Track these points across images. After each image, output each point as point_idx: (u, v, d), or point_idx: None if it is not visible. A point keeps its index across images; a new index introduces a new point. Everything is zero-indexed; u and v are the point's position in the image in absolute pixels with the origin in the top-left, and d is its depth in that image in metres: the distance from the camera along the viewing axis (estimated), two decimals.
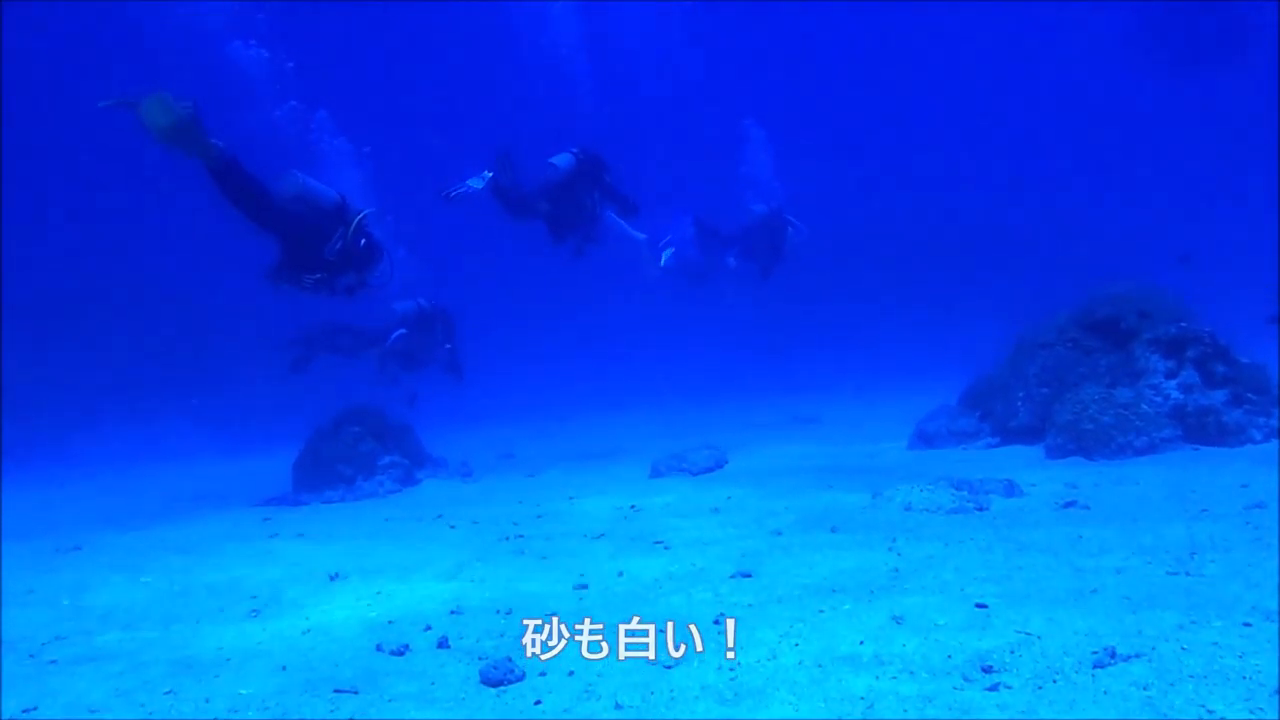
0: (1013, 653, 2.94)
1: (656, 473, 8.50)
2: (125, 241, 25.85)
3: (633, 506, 6.97)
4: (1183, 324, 7.70)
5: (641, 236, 12.97)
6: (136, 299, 23.45)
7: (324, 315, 11.43)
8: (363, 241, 8.42)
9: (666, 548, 5.33)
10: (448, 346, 11.90)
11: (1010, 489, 5.85)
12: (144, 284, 23.90)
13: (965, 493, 5.80)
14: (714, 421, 16.13)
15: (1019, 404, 8.18)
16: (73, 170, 26.28)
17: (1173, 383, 7.42)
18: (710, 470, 8.49)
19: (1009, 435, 8.24)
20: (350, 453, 9.51)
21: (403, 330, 11.49)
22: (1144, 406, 7.30)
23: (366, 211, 8.54)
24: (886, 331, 27.52)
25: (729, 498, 6.95)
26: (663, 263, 14.20)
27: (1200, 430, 7.15)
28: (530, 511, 7.18)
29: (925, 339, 26.24)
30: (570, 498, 7.71)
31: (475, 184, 9.59)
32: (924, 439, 8.76)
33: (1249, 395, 7.22)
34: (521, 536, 6.12)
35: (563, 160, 10.23)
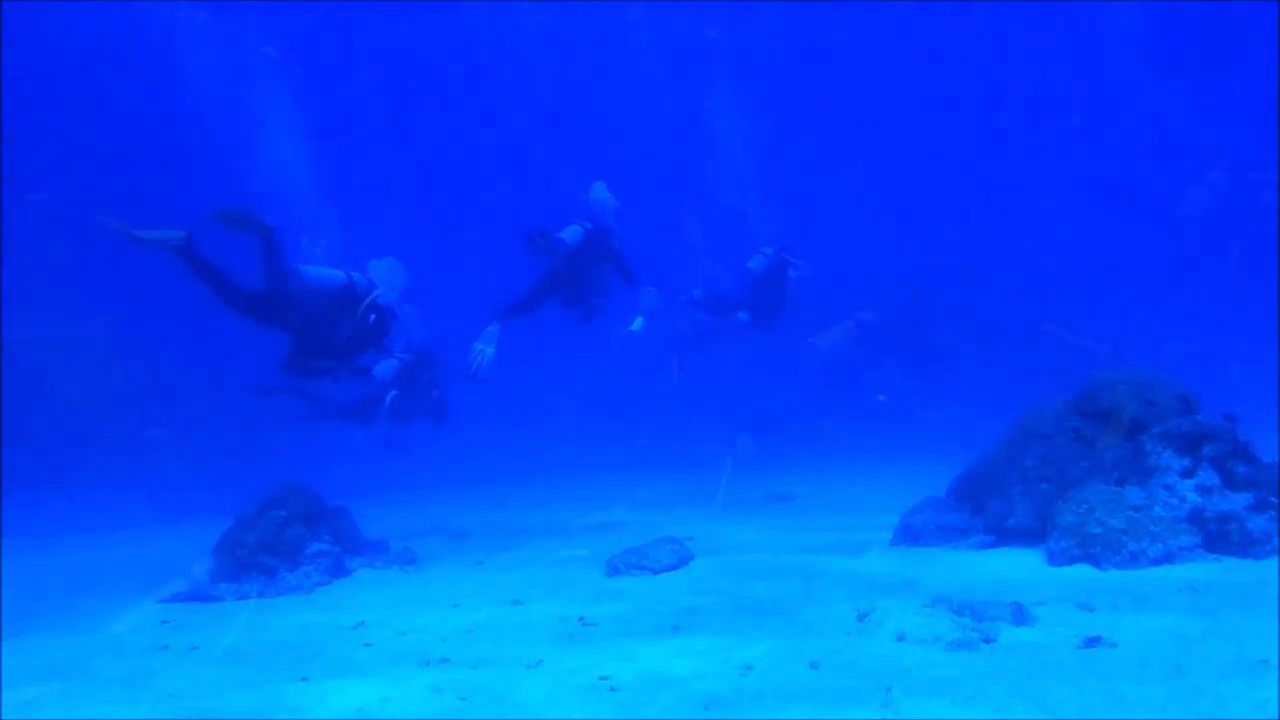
0: None
1: (613, 570, 7.59)
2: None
3: (581, 619, 6.06)
4: (1199, 417, 6.97)
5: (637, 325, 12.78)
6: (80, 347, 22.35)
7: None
8: (373, 317, 8.43)
9: (613, 689, 4.43)
10: (435, 393, 11.64)
11: (1019, 615, 5.00)
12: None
13: (968, 619, 4.95)
14: (682, 492, 15.27)
15: (1016, 500, 7.37)
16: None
17: (1189, 483, 6.65)
18: (673, 569, 7.59)
19: (1004, 535, 7.41)
20: (275, 540, 8.52)
21: (395, 392, 11.08)
22: (1158, 509, 6.52)
23: (376, 293, 8.58)
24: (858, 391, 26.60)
25: (692, 610, 6.07)
26: (634, 327, 13.71)
27: (1221, 539, 6.36)
28: (464, 621, 6.24)
29: (898, 398, 25.42)
30: (514, 601, 6.79)
31: (488, 348, 10.32)
32: (910, 534, 7.92)
33: (1273, 500, 6.46)
34: (446, 661, 5.19)
35: (571, 234, 10.13)
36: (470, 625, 6.11)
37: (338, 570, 8.65)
